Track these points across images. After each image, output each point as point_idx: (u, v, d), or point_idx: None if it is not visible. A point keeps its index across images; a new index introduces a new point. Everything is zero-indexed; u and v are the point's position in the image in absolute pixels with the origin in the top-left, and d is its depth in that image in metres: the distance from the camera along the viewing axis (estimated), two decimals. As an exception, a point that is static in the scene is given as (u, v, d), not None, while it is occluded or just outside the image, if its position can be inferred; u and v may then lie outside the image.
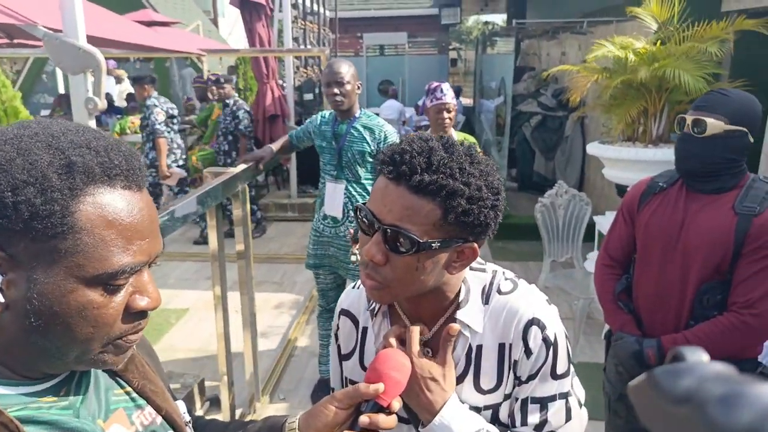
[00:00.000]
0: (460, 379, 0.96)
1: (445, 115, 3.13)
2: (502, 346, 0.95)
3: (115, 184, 0.61)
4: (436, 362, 0.93)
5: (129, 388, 0.77)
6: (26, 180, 0.56)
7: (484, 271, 1.00)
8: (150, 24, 7.86)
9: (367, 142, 2.80)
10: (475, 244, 0.89)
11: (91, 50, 2.06)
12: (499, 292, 0.97)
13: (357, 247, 2.51)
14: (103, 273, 0.60)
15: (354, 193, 2.84)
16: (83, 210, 0.58)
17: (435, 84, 3.19)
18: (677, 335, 1.69)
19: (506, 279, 0.99)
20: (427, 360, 0.93)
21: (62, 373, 0.68)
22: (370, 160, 2.82)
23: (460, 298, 0.96)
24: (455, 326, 0.92)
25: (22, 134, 0.59)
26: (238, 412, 2.78)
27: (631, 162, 3.43)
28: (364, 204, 0.90)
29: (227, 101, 5.75)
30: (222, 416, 2.60)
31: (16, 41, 3.98)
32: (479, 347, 0.95)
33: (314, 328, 3.84)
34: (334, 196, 2.83)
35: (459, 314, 0.94)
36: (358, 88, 2.82)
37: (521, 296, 0.96)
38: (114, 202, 0.61)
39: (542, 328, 0.93)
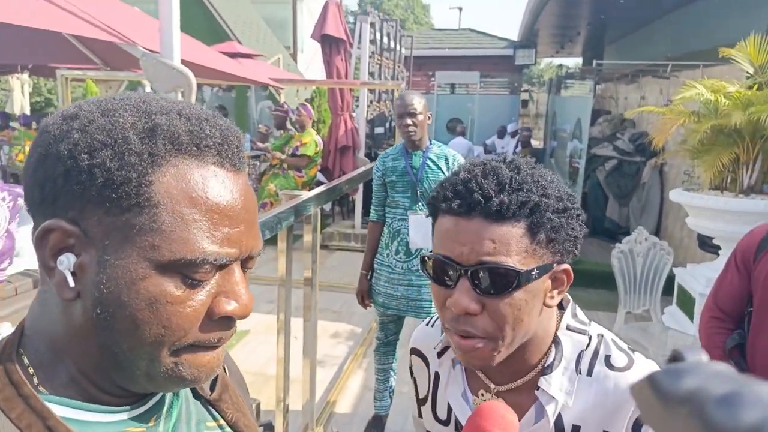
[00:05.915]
0: None
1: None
2: None
3: (205, 159, 0.52)
4: None
5: (222, 422, 0.67)
6: (104, 141, 0.49)
7: (584, 333, 0.83)
8: (234, 55, 8.26)
9: (443, 172, 2.80)
10: (568, 265, 0.78)
11: (184, 71, 2.15)
12: (611, 366, 0.80)
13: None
14: (181, 259, 0.50)
15: None
16: (163, 181, 0.50)
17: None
18: None
19: (619, 349, 0.82)
20: None
21: (151, 397, 0.60)
22: None
23: (548, 362, 0.81)
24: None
25: (115, 97, 0.54)
26: (291, 441, 2.73)
27: (720, 212, 3.23)
28: (431, 252, 0.77)
29: None
30: (276, 443, 2.55)
31: (109, 68, 4.27)
32: (576, 428, 0.80)
33: (371, 362, 3.77)
34: (421, 228, 2.78)
35: (542, 382, 0.80)
36: (429, 118, 2.83)
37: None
38: (201, 178, 0.51)
39: None
